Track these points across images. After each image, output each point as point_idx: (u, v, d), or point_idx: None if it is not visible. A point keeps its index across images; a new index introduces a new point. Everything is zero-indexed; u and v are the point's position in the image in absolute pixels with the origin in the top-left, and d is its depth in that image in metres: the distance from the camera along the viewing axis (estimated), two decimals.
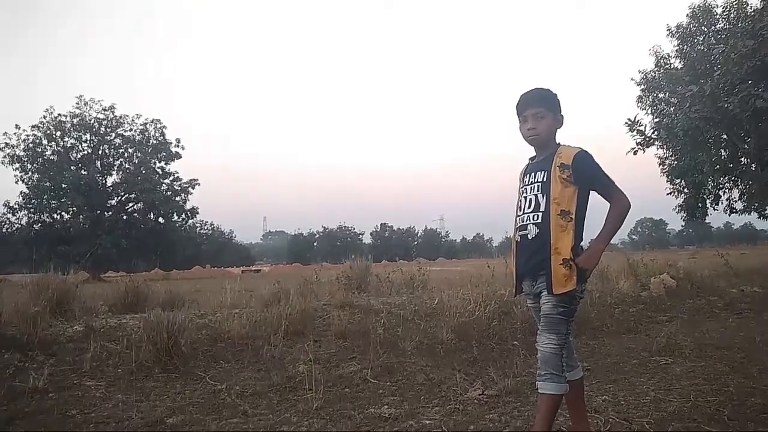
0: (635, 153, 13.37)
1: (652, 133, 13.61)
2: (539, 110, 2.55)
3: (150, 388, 4.13)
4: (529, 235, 2.46)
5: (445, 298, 6.24)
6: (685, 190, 15.64)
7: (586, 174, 2.43)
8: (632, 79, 15.51)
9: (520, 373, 4.19)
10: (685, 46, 14.50)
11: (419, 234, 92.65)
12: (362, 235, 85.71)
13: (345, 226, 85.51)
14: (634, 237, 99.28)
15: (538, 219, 2.44)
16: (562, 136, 2.64)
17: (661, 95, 14.87)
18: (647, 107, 15.07)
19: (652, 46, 15.32)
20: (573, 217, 2.39)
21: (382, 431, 3.11)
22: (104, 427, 3.35)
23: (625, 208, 2.46)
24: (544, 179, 2.46)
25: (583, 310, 6.47)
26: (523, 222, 2.50)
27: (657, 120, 14.02)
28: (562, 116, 2.63)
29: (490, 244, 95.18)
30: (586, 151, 2.47)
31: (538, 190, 2.47)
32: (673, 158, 15.36)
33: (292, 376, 4.24)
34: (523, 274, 2.53)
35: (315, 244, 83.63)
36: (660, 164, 15.79)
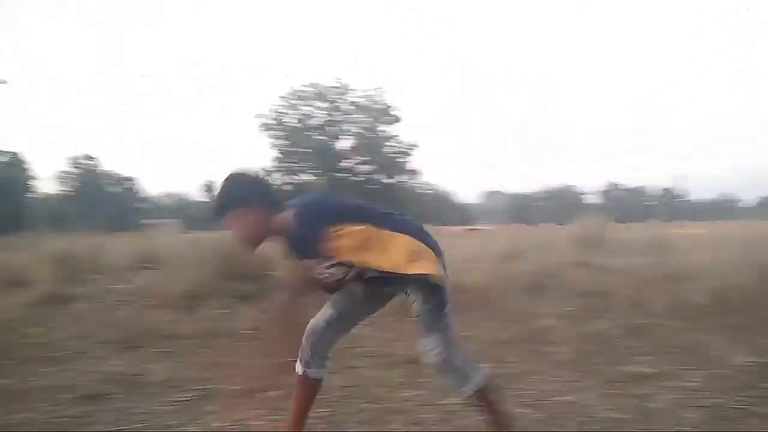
0: None
1: None
2: (231, 213, 2.03)
3: (406, 330, 4.57)
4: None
5: (695, 261, 5.80)
6: None
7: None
8: None
9: None
10: None
11: (652, 193, 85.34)
12: (584, 195, 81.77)
13: (567, 185, 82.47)
14: None
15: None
16: None
17: None
18: None
19: None
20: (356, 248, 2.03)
21: (639, 390, 3.07)
22: (369, 360, 3.85)
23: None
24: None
25: None
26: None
27: None
28: (262, 200, 2.04)
29: (735, 205, 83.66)
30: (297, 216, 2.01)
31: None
32: None
33: (536, 330, 4.35)
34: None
35: (535, 203, 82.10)
36: None
